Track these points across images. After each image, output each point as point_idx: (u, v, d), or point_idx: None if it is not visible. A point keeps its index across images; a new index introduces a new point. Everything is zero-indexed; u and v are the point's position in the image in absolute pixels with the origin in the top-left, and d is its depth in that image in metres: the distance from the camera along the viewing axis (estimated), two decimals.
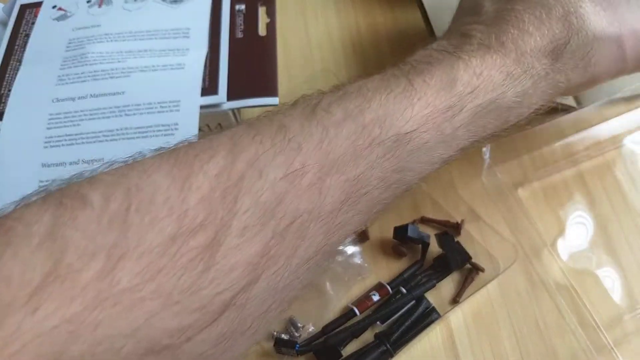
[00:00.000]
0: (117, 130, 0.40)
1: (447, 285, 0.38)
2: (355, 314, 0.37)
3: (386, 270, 0.39)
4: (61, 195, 0.21)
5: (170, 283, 0.19)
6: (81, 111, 0.41)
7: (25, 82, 0.44)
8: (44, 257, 0.19)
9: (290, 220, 0.22)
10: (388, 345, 0.35)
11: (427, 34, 0.41)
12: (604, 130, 0.43)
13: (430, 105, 0.27)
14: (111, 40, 0.45)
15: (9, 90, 0.43)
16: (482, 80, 0.29)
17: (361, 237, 0.40)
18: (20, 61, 0.45)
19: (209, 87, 0.42)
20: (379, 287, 0.38)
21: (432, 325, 0.36)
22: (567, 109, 0.44)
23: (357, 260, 0.40)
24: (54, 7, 0.49)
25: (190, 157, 0.22)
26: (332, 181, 0.24)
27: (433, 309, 0.37)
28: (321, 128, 0.25)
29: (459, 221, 0.40)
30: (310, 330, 0.37)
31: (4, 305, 0.18)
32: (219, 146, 0.23)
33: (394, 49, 0.50)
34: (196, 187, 0.21)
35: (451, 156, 0.29)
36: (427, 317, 0.36)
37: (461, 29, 0.32)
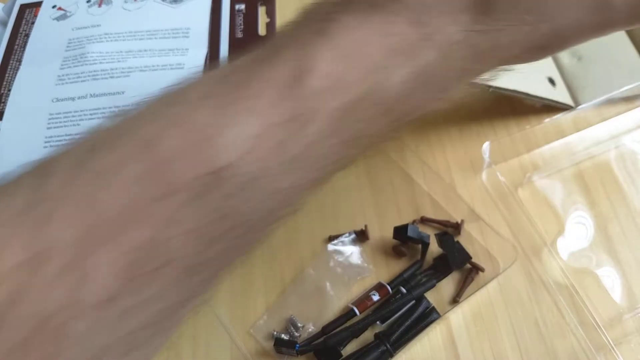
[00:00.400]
0: None
1: (447, 285, 0.38)
2: (355, 314, 0.36)
3: (386, 270, 0.39)
4: None
5: None
6: (81, 111, 0.41)
7: (25, 81, 0.44)
8: None
9: (34, 325, 0.16)
10: (388, 345, 0.35)
11: None
12: (603, 129, 0.43)
13: (261, 119, 0.18)
14: (111, 40, 0.45)
15: (9, 90, 0.43)
16: (351, 63, 0.19)
17: (361, 237, 0.40)
18: (20, 61, 0.45)
19: None
20: (378, 287, 0.38)
21: (432, 325, 0.36)
22: (566, 108, 0.44)
23: (357, 260, 0.40)
24: (54, 6, 0.49)
25: None
26: (103, 257, 0.17)
27: (433, 309, 0.37)
28: (92, 175, 0.17)
29: (459, 221, 0.40)
30: (310, 330, 0.37)
31: None
32: None
33: None
34: None
35: (319, 179, 0.21)
36: (427, 317, 0.36)
37: None
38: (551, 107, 0.44)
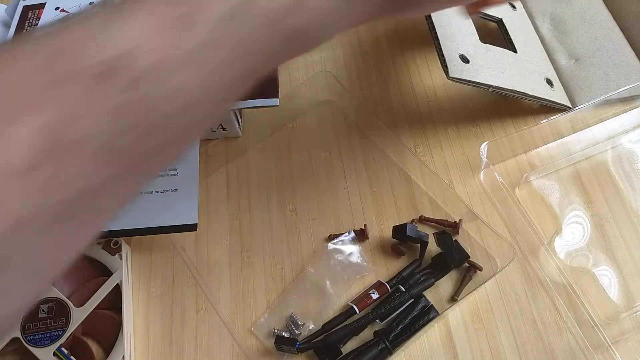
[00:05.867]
0: None
1: (445, 284, 0.39)
2: (354, 312, 0.37)
3: (385, 269, 0.40)
4: None
5: None
6: None
7: None
8: None
9: None
10: (387, 343, 0.36)
11: (428, 30, 0.41)
12: (600, 130, 0.43)
13: (153, 15, 0.20)
14: None
15: None
16: None
17: (360, 237, 0.41)
18: None
19: None
20: (378, 286, 0.38)
21: (431, 323, 0.36)
22: (563, 109, 0.44)
23: (357, 259, 0.40)
24: (57, 8, 0.49)
25: None
26: (17, 131, 0.18)
27: (432, 307, 0.37)
28: None
29: (457, 220, 0.40)
30: (310, 328, 0.38)
31: None
32: None
33: (393, 47, 0.50)
34: None
35: (220, 88, 0.22)
36: (425, 315, 0.37)
37: None
38: (549, 108, 0.44)
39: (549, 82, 0.45)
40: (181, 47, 0.20)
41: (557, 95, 0.44)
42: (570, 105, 0.44)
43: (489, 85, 0.40)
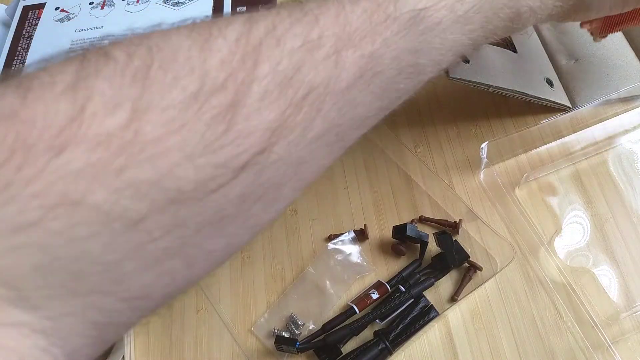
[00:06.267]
0: None
1: (445, 284, 0.39)
2: (354, 312, 0.37)
3: (385, 268, 0.40)
4: (85, 53, 0.21)
5: (194, 138, 0.20)
6: None
7: None
8: (69, 102, 0.19)
9: (306, 91, 0.22)
10: (387, 343, 0.36)
11: None
12: (600, 130, 0.43)
13: None
14: None
15: None
16: None
17: (360, 237, 0.41)
18: (23, 62, 0.46)
19: None
20: (378, 286, 0.38)
21: (431, 323, 0.36)
22: (563, 109, 0.44)
23: (357, 259, 0.40)
24: (57, 8, 0.49)
25: (208, 24, 0.23)
26: (348, 55, 0.24)
27: (432, 307, 0.37)
28: (337, 3, 0.25)
29: (457, 220, 0.40)
30: (310, 328, 0.38)
31: (28, 145, 0.18)
32: (236, 17, 0.23)
33: None
34: (216, 50, 0.22)
35: (464, 45, 0.28)
36: (425, 315, 0.37)
37: None
38: (549, 108, 0.44)
39: (549, 82, 0.45)
40: (457, 9, 0.26)
41: (557, 95, 0.44)
42: (570, 105, 0.44)
43: (489, 85, 0.40)
